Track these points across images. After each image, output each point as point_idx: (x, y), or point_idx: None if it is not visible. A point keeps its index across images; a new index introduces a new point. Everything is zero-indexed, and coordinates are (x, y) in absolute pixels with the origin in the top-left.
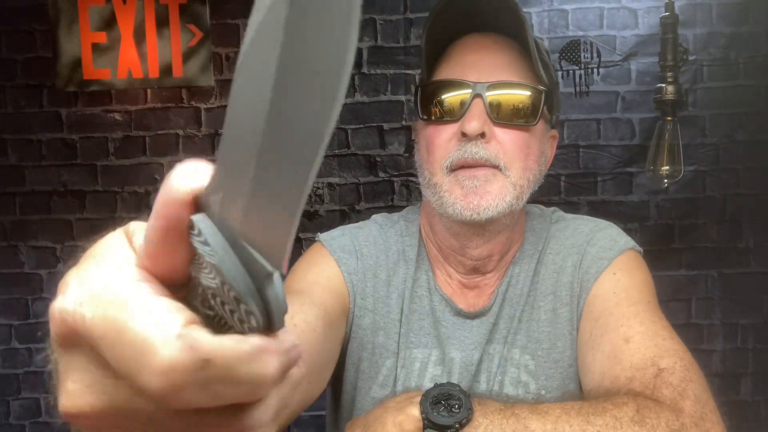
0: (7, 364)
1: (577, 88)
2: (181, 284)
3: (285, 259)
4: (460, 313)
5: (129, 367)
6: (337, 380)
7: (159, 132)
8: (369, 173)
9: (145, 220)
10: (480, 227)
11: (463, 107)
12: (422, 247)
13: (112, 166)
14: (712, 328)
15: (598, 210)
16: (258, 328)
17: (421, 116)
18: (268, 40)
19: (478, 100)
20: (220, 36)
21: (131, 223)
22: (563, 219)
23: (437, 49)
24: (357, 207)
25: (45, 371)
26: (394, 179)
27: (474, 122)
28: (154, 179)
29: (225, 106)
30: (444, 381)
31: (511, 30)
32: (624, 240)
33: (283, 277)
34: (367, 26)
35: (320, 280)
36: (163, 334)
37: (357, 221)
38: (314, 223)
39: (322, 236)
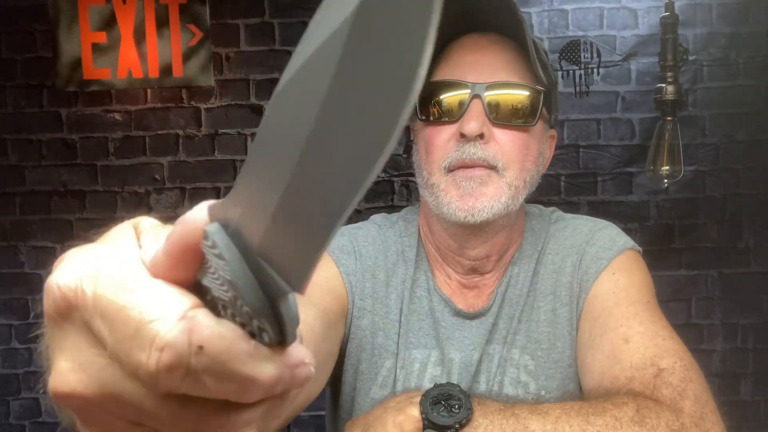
0: (7, 364)
1: (577, 88)
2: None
3: (306, 282)
4: (459, 314)
5: (125, 345)
6: (336, 381)
7: (159, 132)
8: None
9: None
10: (476, 228)
11: (462, 108)
12: (421, 247)
13: (112, 166)
14: (712, 328)
15: (598, 210)
16: (270, 344)
17: (419, 117)
18: (321, 67)
19: (476, 101)
20: (220, 36)
21: (141, 218)
22: (562, 219)
23: (436, 49)
24: (357, 207)
25: (45, 370)
26: (394, 179)
27: (473, 123)
28: (154, 179)
29: (225, 106)
30: (443, 381)
31: (509, 30)
32: (623, 240)
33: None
34: None
35: (318, 281)
36: (166, 313)
37: (357, 221)
38: None
39: None
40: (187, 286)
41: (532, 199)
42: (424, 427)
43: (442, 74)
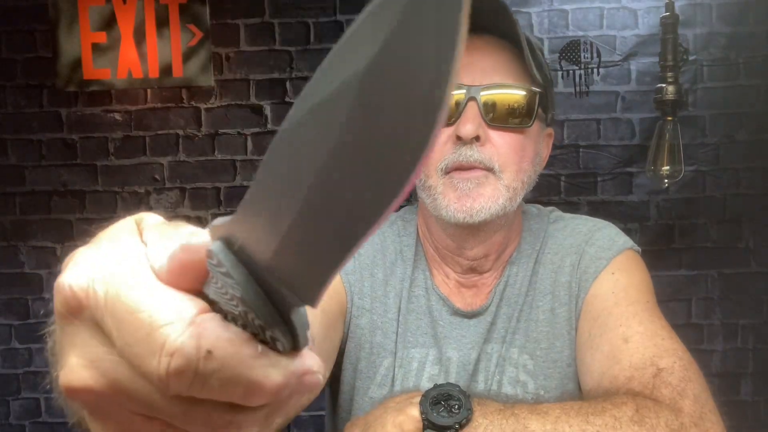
0: (7, 364)
1: (577, 88)
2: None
3: (319, 298)
4: (457, 313)
5: (136, 349)
6: (335, 380)
7: (159, 132)
8: None
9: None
10: (474, 228)
11: (458, 110)
12: (419, 246)
13: (112, 166)
14: (712, 328)
15: (598, 210)
16: (284, 352)
17: None
18: (339, 104)
19: (472, 103)
20: (220, 36)
21: (144, 213)
22: (562, 219)
23: None
24: None
25: (45, 371)
26: None
27: (469, 125)
28: (154, 179)
29: (225, 106)
30: (441, 380)
31: (504, 31)
32: (623, 240)
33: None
34: None
35: None
36: (176, 318)
37: None
38: None
39: None
40: (193, 294)
41: (532, 199)
42: (424, 428)
43: None
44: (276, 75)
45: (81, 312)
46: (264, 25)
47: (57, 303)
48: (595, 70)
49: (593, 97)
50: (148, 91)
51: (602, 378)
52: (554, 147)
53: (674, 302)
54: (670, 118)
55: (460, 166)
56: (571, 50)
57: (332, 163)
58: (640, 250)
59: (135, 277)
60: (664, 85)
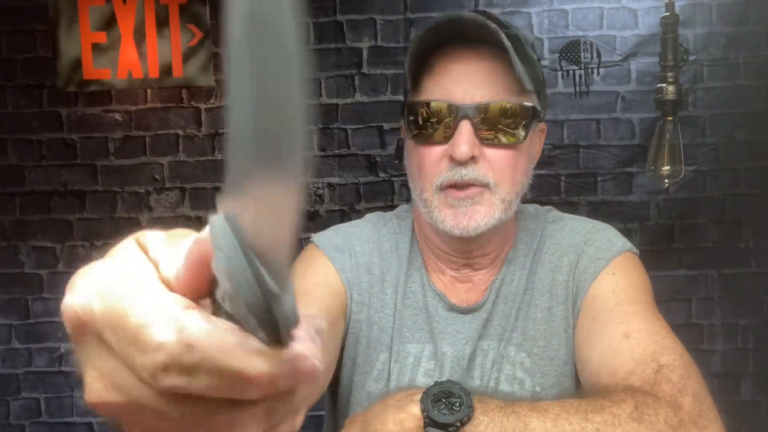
0: (7, 364)
1: (577, 88)
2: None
3: (287, 278)
4: (453, 308)
5: (129, 351)
6: (333, 377)
7: (159, 132)
8: (369, 173)
9: (146, 220)
10: (470, 239)
11: (451, 129)
12: (415, 243)
13: (112, 166)
14: (712, 328)
15: (598, 210)
16: (273, 341)
17: (409, 137)
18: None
19: (465, 122)
20: (220, 36)
21: (143, 232)
22: (560, 219)
23: (419, 59)
24: (357, 207)
25: (45, 371)
26: (394, 179)
27: (463, 146)
28: (154, 179)
29: (225, 106)
30: (437, 375)
31: (492, 40)
32: (621, 241)
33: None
34: (367, 26)
35: (318, 281)
36: (159, 317)
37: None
38: (315, 223)
39: (315, 237)
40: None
41: (532, 199)
42: (425, 425)
43: (429, 91)
44: None
45: (85, 329)
46: None
47: (66, 325)
48: (595, 70)
49: (593, 97)
50: (148, 91)
51: (601, 371)
52: (554, 147)
53: (674, 302)
54: (670, 118)
55: (456, 184)
56: (571, 50)
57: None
58: (638, 252)
59: (126, 285)
60: (664, 85)
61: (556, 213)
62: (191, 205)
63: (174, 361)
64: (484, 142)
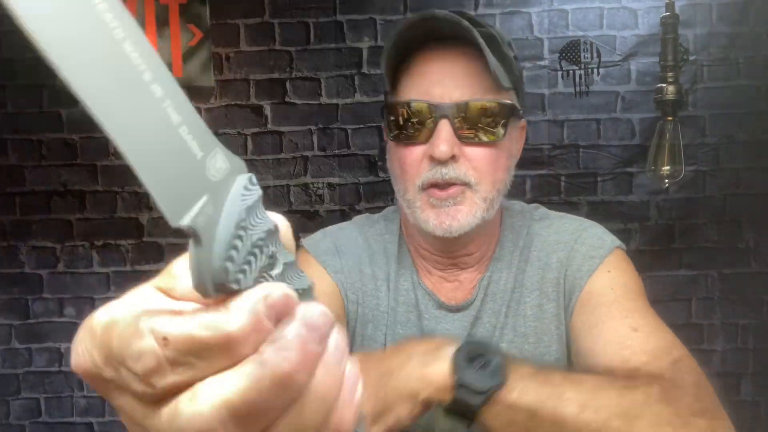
0: (7, 364)
1: (577, 88)
2: None
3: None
4: (442, 306)
5: (124, 376)
6: None
7: None
8: (369, 173)
9: (146, 220)
10: (454, 239)
11: (431, 129)
12: (403, 243)
13: (112, 166)
14: (712, 328)
15: (598, 210)
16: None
17: (390, 138)
18: None
19: (444, 122)
20: (220, 36)
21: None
22: (547, 217)
23: (398, 60)
24: (357, 207)
25: (45, 371)
26: None
27: (443, 146)
28: None
29: (225, 106)
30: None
31: (467, 38)
32: (610, 238)
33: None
34: (367, 26)
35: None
36: (135, 330)
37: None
38: (314, 222)
39: (304, 242)
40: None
41: (532, 199)
42: (456, 386)
43: (407, 92)
44: (276, 75)
45: (93, 377)
46: (264, 25)
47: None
48: (595, 70)
49: (593, 97)
50: None
51: (613, 359)
52: (554, 147)
53: (674, 302)
54: (670, 118)
55: (437, 183)
56: (571, 50)
57: None
58: (626, 248)
59: (111, 323)
60: (664, 85)
61: (542, 211)
62: None
63: (158, 360)
64: (463, 140)
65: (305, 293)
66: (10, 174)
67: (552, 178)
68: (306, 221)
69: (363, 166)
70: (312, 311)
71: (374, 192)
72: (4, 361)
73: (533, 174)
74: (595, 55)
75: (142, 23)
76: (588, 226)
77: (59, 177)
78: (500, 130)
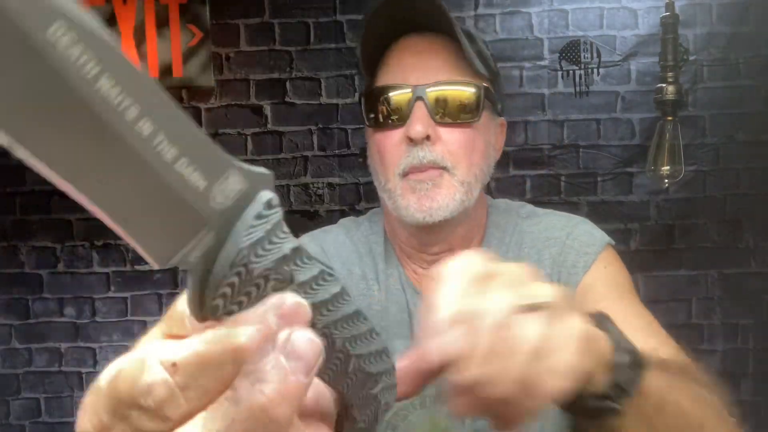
0: (7, 364)
1: (577, 88)
2: None
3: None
4: None
5: (138, 418)
6: None
7: None
8: (369, 173)
9: None
10: (435, 227)
11: (407, 111)
12: (388, 243)
13: None
14: (712, 328)
15: (598, 210)
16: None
17: (367, 124)
18: None
19: (420, 103)
20: (220, 36)
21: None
22: (535, 214)
23: (376, 54)
24: (357, 207)
25: (45, 371)
26: None
27: (418, 126)
28: None
29: (225, 106)
30: None
31: (445, 29)
32: (601, 234)
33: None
34: None
35: None
36: (141, 368)
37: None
38: (314, 223)
39: None
40: None
41: (532, 199)
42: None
43: (385, 78)
44: (276, 75)
45: None
46: (264, 25)
47: None
48: (595, 70)
49: (593, 97)
50: None
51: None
52: (554, 147)
53: (674, 302)
54: (670, 118)
55: (415, 168)
56: (571, 50)
57: None
58: (614, 243)
59: (123, 365)
60: (664, 85)
61: (529, 208)
62: None
63: (170, 389)
64: (438, 122)
65: (334, 298)
66: (10, 174)
67: (552, 178)
68: (306, 221)
69: (363, 166)
70: (297, 338)
71: (374, 192)
72: (4, 361)
73: (533, 174)
74: (595, 55)
75: (142, 23)
76: (578, 222)
77: None
78: (475, 113)
